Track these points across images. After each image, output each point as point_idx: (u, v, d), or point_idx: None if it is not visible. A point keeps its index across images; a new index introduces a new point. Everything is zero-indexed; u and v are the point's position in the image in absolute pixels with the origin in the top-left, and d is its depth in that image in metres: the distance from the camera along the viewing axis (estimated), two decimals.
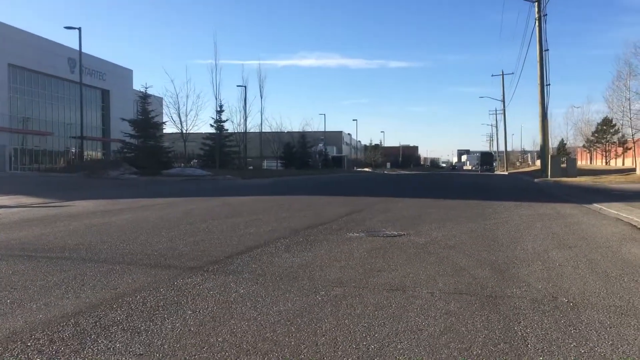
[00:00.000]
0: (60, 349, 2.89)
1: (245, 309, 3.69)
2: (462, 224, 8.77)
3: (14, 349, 2.88)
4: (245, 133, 57.17)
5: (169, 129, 51.62)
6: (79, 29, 40.73)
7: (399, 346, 2.97)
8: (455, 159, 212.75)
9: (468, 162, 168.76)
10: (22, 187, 21.96)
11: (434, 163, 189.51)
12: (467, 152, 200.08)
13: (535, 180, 30.46)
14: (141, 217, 9.78)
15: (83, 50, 42.49)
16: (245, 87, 56.58)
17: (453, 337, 3.11)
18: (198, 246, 6.38)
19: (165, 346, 2.94)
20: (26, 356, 2.78)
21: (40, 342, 2.99)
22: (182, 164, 48.39)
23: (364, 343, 3.02)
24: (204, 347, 2.93)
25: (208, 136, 56.46)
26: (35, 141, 51.59)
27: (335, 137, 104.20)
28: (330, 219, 9.34)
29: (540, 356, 2.83)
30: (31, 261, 5.40)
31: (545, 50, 32.78)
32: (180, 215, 10.14)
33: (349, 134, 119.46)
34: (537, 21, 33.13)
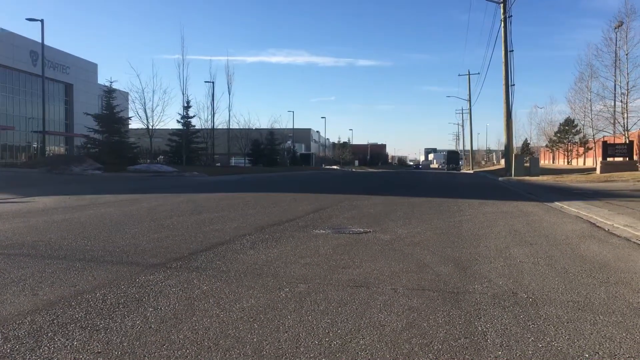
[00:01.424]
0: (15, 347, 2.81)
1: (208, 305, 3.66)
2: (427, 221, 8.86)
3: None
4: (212, 129, 56.79)
5: (134, 124, 51.02)
6: (42, 20, 39.80)
7: (361, 342, 2.98)
8: (422, 158, 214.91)
9: (435, 161, 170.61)
10: None
11: (402, 161, 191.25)
12: (434, 150, 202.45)
13: (500, 178, 30.99)
14: (104, 214, 9.61)
15: (46, 43, 41.54)
16: (213, 83, 56.26)
17: (415, 333, 3.14)
18: (161, 243, 6.30)
19: (125, 344, 2.89)
20: None
21: None
22: (148, 160, 47.77)
23: (327, 339, 3.02)
24: (164, 345, 2.89)
25: (175, 132, 55.89)
26: None
27: (303, 135, 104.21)
28: (296, 216, 9.33)
29: (499, 351, 2.87)
30: None
31: (511, 51, 33.36)
32: (145, 212, 10.00)
33: (317, 131, 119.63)
34: (502, 22, 33.68)
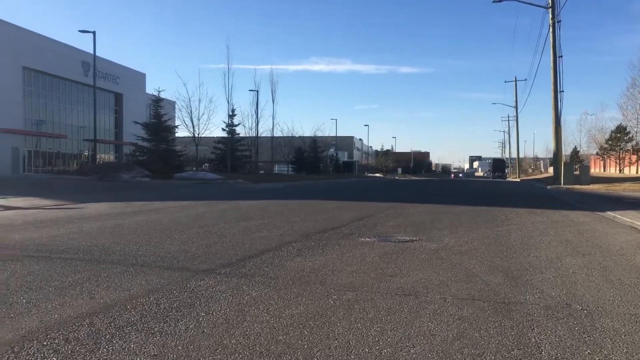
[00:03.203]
0: (76, 348, 2.92)
1: (257, 311, 3.71)
2: (474, 230, 8.74)
3: (30, 347, 2.91)
4: (257, 137, 57.41)
5: (181, 132, 51.94)
6: (94, 32, 41.11)
7: (412, 351, 2.97)
8: (467, 165, 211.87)
9: (480, 169, 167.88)
10: (36, 189, 22.16)
11: (445, 169, 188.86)
12: (479, 158, 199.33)
13: (548, 187, 30.27)
14: (153, 220, 9.84)
15: (97, 53, 42.89)
16: (257, 91, 56.90)
17: (466, 343, 3.10)
18: (210, 249, 6.41)
19: (179, 347, 2.96)
20: (42, 355, 2.81)
21: (56, 341, 3.02)
22: (194, 168, 48.67)
23: (377, 347, 3.02)
24: (217, 349, 2.94)
25: (220, 140, 56.70)
26: (49, 144, 52.05)
27: (346, 142, 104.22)
28: (341, 224, 9.34)
29: None
30: (46, 262, 5.45)
31: (560, 57, 32.62)
32: (192, 219, 10.19)
33: (360, 139, 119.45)
34: (551, 27, 32.99)
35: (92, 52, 42.46)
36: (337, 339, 3.16)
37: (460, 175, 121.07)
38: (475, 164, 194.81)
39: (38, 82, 49.95)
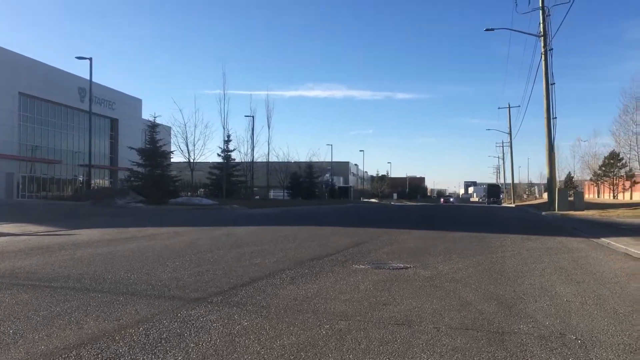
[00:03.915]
0: None
1: (248, 342, 3.66)
2: (469, 257, 8.70)
3: None
4: (252, 163, 57.47)
5: (176, 157, 51.94)
6: (90, 59, 41.39)
7: None
8: (462, 191, 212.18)
9: (475, 194, 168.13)
10: (29, 215, 22.04)
11: (441, 194, 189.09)
12: (474, 183, 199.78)
13: (543, 213, 30.30)
14: (146, 247, 9.77)
15: (93, 79, 43.08)
16: (253, 117, 57.16)
17: None
18: (202, 277, 6.35)
19: None
20: None
21: None
22: (189, 193, 48.54)
23: None
24: None
25: (215, 165, 56.75)
26: (44, 169, 51.96)
27: (342, 168, 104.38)
28: (335, 250, 9.29)
29: None
30: (35, 290, 5.39)
31: (552, 84, 32.94)
32: (186, 245, 10.13)
33: (355, 164, 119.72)
34: (543, 55, 33.39)
35: (88, 77, 42.66)
36: None
37: (452, 200, 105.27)
38: (470, 190, 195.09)
39: (34, 107, 50.07)
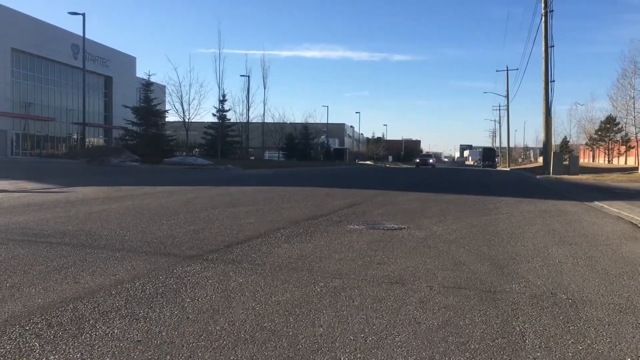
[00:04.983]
0: (58, 333, 2.89)
1: (244, 298, 3.69)
2: (463, 218, 8.76)
3: (12, 332, 2.88)
4: (247, 123, 57.20)
5: (171, 117, 51.69)
6: (83, 14, 40.59)
7: (396, 339, 2.97)
8: (457, 154, 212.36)
9: (470, 157, 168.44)
10: (23, 172, 21.97)
11: (437, 157, 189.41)
12: (470, 147, 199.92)
13: (537, 176, 30.43)
14: (142, 205, 9.79)
15: (87, 36, 42.37)
16: (248, 77, 56.56)
17: (451, 331, 3.11)
18: (198, 235, 6.38)
19: (164, 333, 2.94)
20: (24, 340, 2.78)
21: (39, 326, 2.99)
22: (184, 153, 48.41)
23: (362, 335, 3.02)
24: (202, 335, 2.93)
25: (210, 125, 56.48)
26: (38, 127, 51.62)
27: (337, 130, 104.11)
28: (330, 211, 9.33)
29: (538, 352, 2.83)
30: (31, 246, 5.41)
31: (551, 47, 32.65)
32: (181, 204, 10.14)
33: (351, 126, 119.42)
34: (543, 17, 32.98)
35: (81, 34, 41.96)
36: (322, 326, 3.15)
37: (431, 161, 73.30)
38: (466, 153, 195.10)
39: (27, 63, 49.41)
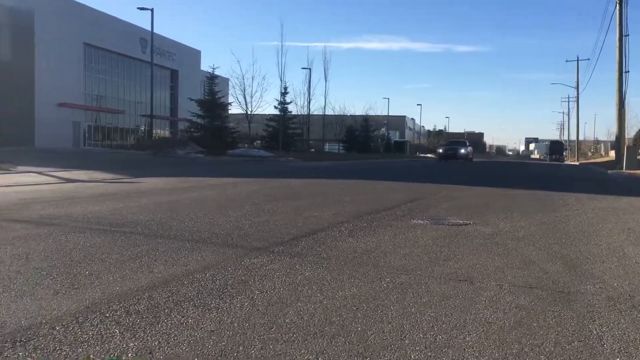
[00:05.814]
0: (137, 321, 3.01)
1: (311, 291, 3.73)
2: (531, 215, 8.51)
3: (94, 319, 3.02)
4: (308, 115, 57.55)
5: (234, 109, 52.63)
6: (152, 9, 41.79)
7: (467, 338, 2.92)
8: (522, 147, 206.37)
9: (536, 151, 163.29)
10: (95, 162, 22.91)
11: (500, 151, 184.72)
12: (536, 140, 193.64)
13: (609, 172, 29.17)
14: (208, 196, 10.03)
15: (154, 30, 43.61)
16: (310, 69, 56.84)
17: (524, 332, 3.03)
18: (263, 227, 6.48)
19: (235, 324, 3.01)
20: (105, 326, 2.91)
21: (118, 313, 3.12)
22: (246, 145, 49.25)
23: (432, 333, 2.99)
24: (272, 328, 2.98)
25: (272, 118, 57.12)
26: (108, 118, 53.62)
27: (398, 122, 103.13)
28: (393, 205, 9.27)
29: (617, 357, 2.72)
30: (106, 235, 5.64)
31: (625, 36, 31.13)
32: (245, 196, 10.33)
33: (412, 118, 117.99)
34: (617, 5, 31.49)
35: (149, 28, 43.23)
36: (390, 322, 3.14)
37: (462, 151, 45.47)
38: (532, 146, 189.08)
39: (98, 58, 51.33)
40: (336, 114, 68.79)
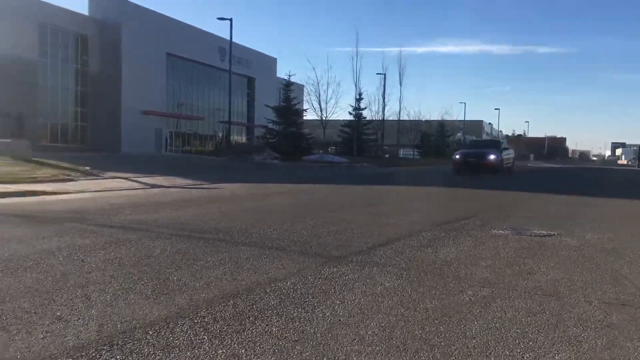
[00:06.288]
0: (223, 328, 3.10)
1: (392, 303, 3.72)
2: (620, 226, 8.10)
3: (183, 325, 3.14)
4: (383, 121, 57.26)
5: (308, 115, 53.15)
6: (230, 19, 42.90)
7: (556, 357, 2.82)
8: (608, 152, 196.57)
9: (623, 156, 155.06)
10: (176, 168, 23.76)
11: (584, 156, 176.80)
12: (623, 145, 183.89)
13: None
14: (285, 203, 10.20)
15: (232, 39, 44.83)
16: (384, 75, 56.54)
17: (618, 354, 2.89)
18: (340, 235, 6.51)
19: (318, 335, 3.05)
20: (194, 332, 3.02)
21: (205, 320, 3.23)
22: (321, 151, 49.61)
23: (518, 350, 2.91)
24: (354, 340, 2.99)
25: (346, 124, 57.25)
26: (187, 125, 55.55)
27: (475, 127, 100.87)
28: (472, 213, 9.08)
29: None
30: (191, 241, 5.85)
31: None
32: (322, 202, 10.42)
33: (489, 123, 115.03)
34: None
35: (227, 37, 44.45)
36: (474, 338, 3.08)
37: (492, 157, 25.34)
38: (618, 151, 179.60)
39: (179, 67, 53.33)
40: (411, 119, 68.14)
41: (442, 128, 72.89)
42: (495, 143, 31.73)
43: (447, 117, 75.09)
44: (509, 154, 28.71)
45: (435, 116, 75.57)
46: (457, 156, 26.77)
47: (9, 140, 23.62)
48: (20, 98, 37.59)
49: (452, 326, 3.27)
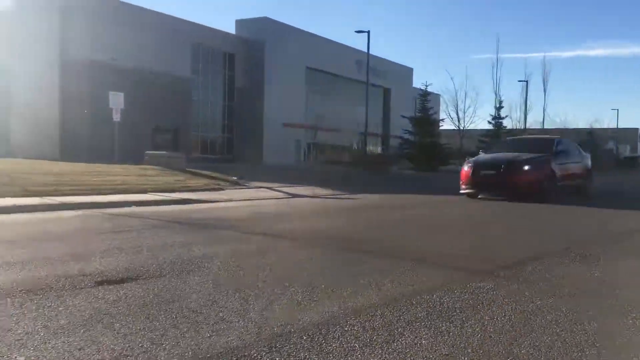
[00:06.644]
0: (373, 337, 3.17)
1: (545, 322, 3.56)
2: None
3: (335, 331, 3.25)
4: (524, 130, 54.75)
5: (445, 125, 52.25)
6: (368, 32, 43.49)
7: None
8: None
9: None
10: (315, 178, 24.44)
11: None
12: None
13: None
14: (424, 214, 10.15)
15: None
16: (527, 82, 54.15)
17: None
18: (484, 249, 6.35)
19: (469, 350, 3.01)
20: (345, 340, 3.11)
21: (355, 328, 3.32)
22: (458, 161, 48.47)
23: None
24: (508, 358, 2.91)
25: (485, 133, 55.45)
26: (325, 136, 57.03)
27: (629, 135, 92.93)
28: (620, 231, 8.40)
29: None
30: (333, 250, 6.06)
31: None
32: (460, 215, 10.23)
33: None
34: None
35: (364, 49, 45.04)
36: None
37: (527, 168, 13.85)
38: None
39: (318, 80, 55.04)
40: (556, 127, 64.40)
41: (591, 137, 68.03)
42: (546, 143, 16.56)
43: (597, 125, 69.99)
44: (577, 162, 16.81)
45: (582, 124, 70.83)
46: (467, 167, 15.02)
47: (166, 152, 25.93)
48: (176, 113, 41.05)
49: (615, 351, 3.08)
